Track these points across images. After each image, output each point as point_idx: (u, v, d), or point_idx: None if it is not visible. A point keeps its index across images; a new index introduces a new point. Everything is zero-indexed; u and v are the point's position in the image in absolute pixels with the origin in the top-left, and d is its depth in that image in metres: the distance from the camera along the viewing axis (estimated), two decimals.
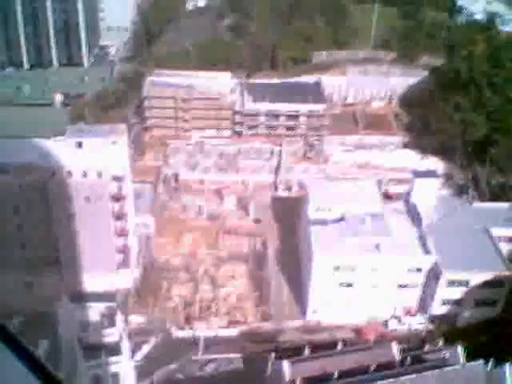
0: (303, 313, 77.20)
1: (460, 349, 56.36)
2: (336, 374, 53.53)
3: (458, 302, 71.90)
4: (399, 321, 74.82)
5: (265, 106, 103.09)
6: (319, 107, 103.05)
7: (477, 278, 70.47)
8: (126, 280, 78.78)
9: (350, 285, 73.29)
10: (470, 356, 54.92)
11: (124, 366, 58.34)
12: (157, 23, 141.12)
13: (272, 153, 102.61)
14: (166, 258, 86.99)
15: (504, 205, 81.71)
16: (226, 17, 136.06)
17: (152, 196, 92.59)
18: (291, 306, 79.21)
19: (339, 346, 60.45)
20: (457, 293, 71.12)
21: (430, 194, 79.68)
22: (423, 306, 74.08)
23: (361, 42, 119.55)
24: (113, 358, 57.74)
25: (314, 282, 73.51)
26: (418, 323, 73.81)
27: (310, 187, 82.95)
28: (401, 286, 73.47)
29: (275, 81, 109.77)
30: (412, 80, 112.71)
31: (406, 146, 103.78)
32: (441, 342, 61.16)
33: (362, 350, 58.84)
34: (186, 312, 78.45)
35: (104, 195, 72.96)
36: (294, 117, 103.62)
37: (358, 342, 69.06)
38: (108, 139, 72.61)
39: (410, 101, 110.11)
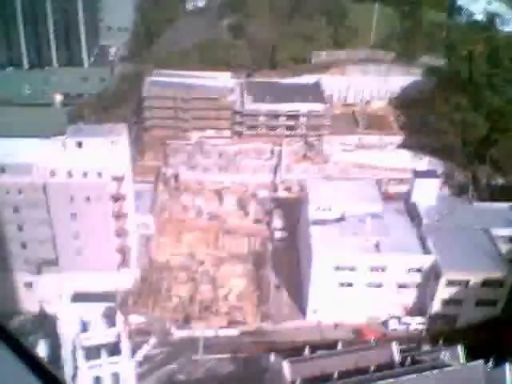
0: (303, 313, 77.20)
1: (460, 349, 56.40)
2: (336, 374, 53.54)
3: (457, 302, 71.87)
4: (399, 321, 74.82)
5: (265, 106, 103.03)
6: (319, 107, 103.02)
7: (477, 277, 70.45)
8: (126, 280, 78.76)
9: (349, 285, 73.28)
10: (470, 356, 54.96)
11: (124, 366, 58.32)
12: (157, 23, 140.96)
13: (272, 153, 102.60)
14: (165, 258, 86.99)
15: (504, 205, 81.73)
16: (225, 17, 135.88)
17: (152, 196, 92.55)
18: (291, 306, 79.20)
19: (339, 346, 60.47)
20: (457, 293, 71.10)
21: (430, 194, 79.71)
22: (423, 305, 74.05)
23: (361, 42, 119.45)
24: (113, 358, 57.74)
25: (313, 281, 73.49)
26: (418, 323, 73.80)
27: (310, 187, 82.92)
28: (401, 285, 73.47)
29: (275, 81, 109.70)
30: (412, 80, 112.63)
31: (405, 146, 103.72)
32: (441, 342, 61.21)
33: (361, 350, 58.87)
34: (186, 312, 78.47)
35: (104, 195, 72.92)
36: (294, 117, 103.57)
37: (357, 341, 69.09)
38: (108, 139, 72.59)
39: (409, 101, 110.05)
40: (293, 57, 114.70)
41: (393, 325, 74.63)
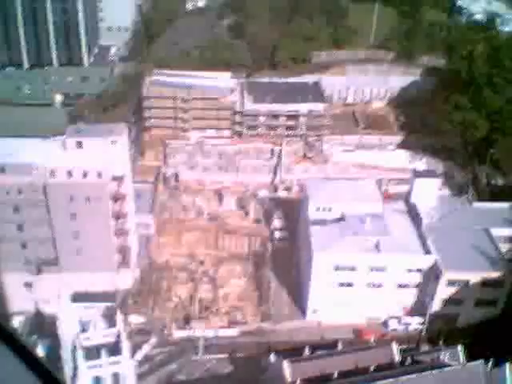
0: (303, 313, 77.23)
1: (460, 349, 56.38)
2: (336, 374, 53.54)
3: (457, 302, 71.86)
4: (399, 321, 74.81)
5: (265, 106, 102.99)
6: (319, 107, 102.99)
7: (477, 277, 70.44)
8: (126, 280, 78.78)
9: (349, 285, 73.29)
10: (470, 356, 54.93)
11: (124, 366, 58.33)
12: (157, 23, 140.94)
13: (272, 153, 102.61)
14: (165, 258, 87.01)
15: (504, 205, 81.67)
16: (225, 17, 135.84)
17: (152, 196, 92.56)
18: (291, 306, 79.23)
19: (339, 346, 60.45)
20: (457, 293, 71.09)
21: (430, 194, 79.66)
22: (423, 305, 74.02)
23: (361, 41, 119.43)
24: (113, 358, 57.75)
25: (313, 281, 73.50)
26: (418, 323, 73.79)
27: (310, 187, 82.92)
28: (401, 285, 73.48)
29: (275, 81, 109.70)
30: (412, 80, 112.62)
31: (405, 146, 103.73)
32: (441, 342, 61.18)
33: (361, 350, 58.84)
34: (186, 312, 78.49)
35: (104, 195, 72.93)
36: (294, 117, 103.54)
37: (357, 342, 69.10)
38: (108, 139, 72.58)
39: (409, 101, 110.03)
40: (293, 57, 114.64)
41: (392, 325, 74.64)
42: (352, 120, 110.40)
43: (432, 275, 71.62)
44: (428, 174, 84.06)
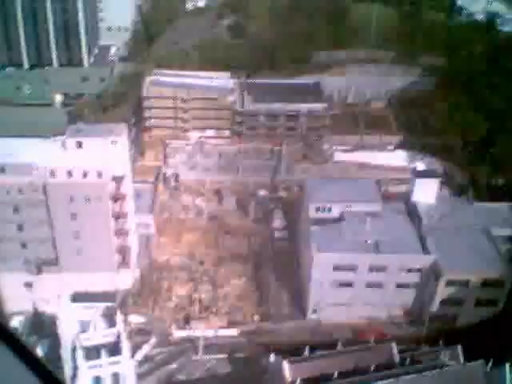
0: (303, 313, 77.20)
1: (460, 349, 56.37)
2: (336, 374, 53.54)
3: (457, 302, 71.85)
4: None
5: (265, 106, 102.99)
6: (319, 107, 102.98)
7: (477, 277, 70.44)
8: (126, 280, 78.75)
9: (349, 285, 73.28)
10: (470, 356, 54.92)
11: (124, 366, 58.32)
12: (157, 23, 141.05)
13: (272, 153, 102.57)
14: (165, 258, 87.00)
15: (504, 205, 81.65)
16: (225, 17, 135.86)
17: (152, 196, 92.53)
18: (291, 306, 79.21)
19: (339, 346, 60.44)
20: (457, 293, 71.08)
21: (430, 194, 79.64)
22: (423, 305, 74.03)
23: (361, 41, 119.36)
24: (113, 358, 57.75)
25: (313, 281, 73.51)
26: None
27: (310, 187, 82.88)
28: (400, 285, 73.45)
29: (275, 81, 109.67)
30: (412, 80, 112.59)
31: (405, 146, 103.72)
32: (441, 342, 61.17)
33: (361, 350, 58.82)
34: (186, 312, 78.48)
35: (104, 195, 72.92)
36: (294, 117, 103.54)
37: (357, 342, 69.06)
38: (108, 139, 72.57)
39: (409, 101, 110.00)
40: (293, 57, 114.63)
41: None
42: (352, 120, 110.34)
43: (432, 275, 71.60)
44: (428, 173, 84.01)
